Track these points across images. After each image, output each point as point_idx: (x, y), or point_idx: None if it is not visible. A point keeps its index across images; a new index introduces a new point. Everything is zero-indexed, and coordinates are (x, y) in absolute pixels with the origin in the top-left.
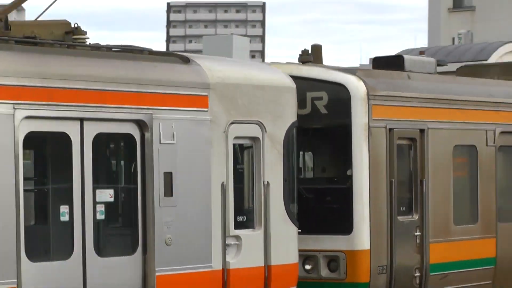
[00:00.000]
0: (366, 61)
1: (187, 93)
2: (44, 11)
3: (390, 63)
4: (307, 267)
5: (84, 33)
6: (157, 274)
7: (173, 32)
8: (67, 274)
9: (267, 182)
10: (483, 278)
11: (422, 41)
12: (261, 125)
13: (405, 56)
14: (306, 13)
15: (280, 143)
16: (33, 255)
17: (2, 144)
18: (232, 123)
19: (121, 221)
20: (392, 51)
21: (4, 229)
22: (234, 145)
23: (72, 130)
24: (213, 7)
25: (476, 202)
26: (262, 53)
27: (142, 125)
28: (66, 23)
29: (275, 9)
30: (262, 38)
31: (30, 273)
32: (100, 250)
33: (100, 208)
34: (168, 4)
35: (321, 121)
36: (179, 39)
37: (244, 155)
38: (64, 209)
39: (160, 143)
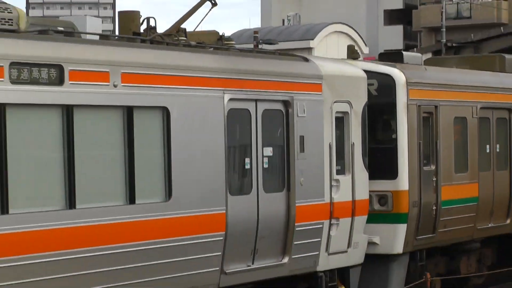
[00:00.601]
0: None
1: (310, 82)
2: (200, 23)
3: (392, 57)
4: None
5: (231, 39)
6: (296, 205)
7: (32, 13)
8: (249, 203)
9: (353, 142)
10: (471, 211)
11: (255, 23)
12: (349, 103)
13: (404, 53)
14: None
15: (359, 116)
16: (232, 191)
17: (218, 117)
18: (335, 102)
19: (275, 169)
20: (230, 31)
21: (218, 175)
22: (336, 117)
23: (251, 107)
24: None
25: (466, 157)
26: (113, 33)
27: (287, 104)
28: (216, 33)
29: None
30: (113, 19)
31: (231, 203)
32: (265, 188)
33: (266, 160)
34: None
35: (372, 100)
36: None
37: (339, 124)
38: (247, 160)
39: (297, 116)
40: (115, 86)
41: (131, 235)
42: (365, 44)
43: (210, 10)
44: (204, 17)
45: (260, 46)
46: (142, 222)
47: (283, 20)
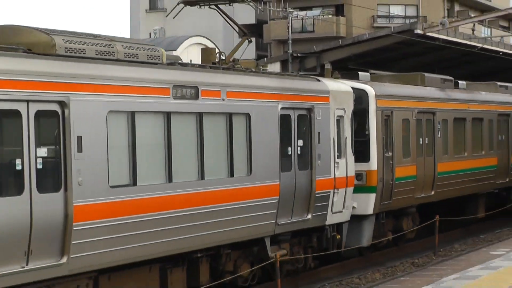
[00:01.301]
0: None
1: (323, 95)
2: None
3: (350, 76)
4: None
5: (266, 65)
6: (316, 179)
7: None
8: (291, 177)
9: (346, 136)
10: (411, 185)
11: (126, 35)
12: (344, 109)
13: (359, 73)
14: None
15: (349, 118)
16: (282, 169)
17: (275, 119)
18: (336, 109)
19: (303, 153)
20: None
21: (275, 158)
22: (336, 119)
23: (291, 113)
24: None
25: (409, 147)
26: None
27: (310, 110)
28: (254, 61)
29: None
30: None
31: (282, 177)
32: (299, 167)
33: (299, 148)
34: None
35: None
36: None
37: (338, 124)
38: (289, 148)
39: (316, 119)
40: (223, 100)
41: (230, 197)
42: None
43: (248, 45)
44: (244, 51)
45: None
46: (237, 189)
47: (150, 33)
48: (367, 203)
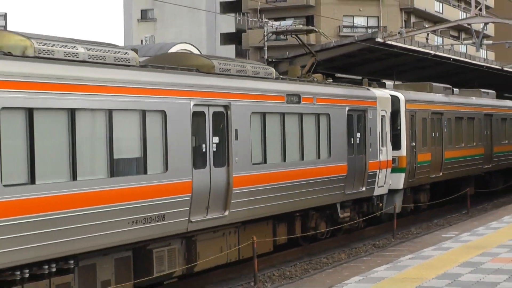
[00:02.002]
0: None
1: (372, 100)
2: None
3: (380, 84)
4: None
5: (329, 78)
6: (368, 161)
7: None
8: (353, 160)
9: (386, 131)
10: (427, 168)
11: (120, 42)
12: (385, 111)
13: (386, 82)
14: None
15: (389, 117)
16: (348, 154)
17: (343, 117)
18: (381, 110)
19: (360, 142)
20: None
21: (343, 145)
22: (380, 118)
23: (353, 113)
24: None
25: (426, 139)
26: None
27: (364, 111)
28: (322, 75)
29: None
30: (4, 28)
31: (348, 160)
32: (357, 152)
33: (357, 139)
34: None
35: None
36: None
37: (382, 121)
38: (352, 139)
39: (368, 117)
40: (314, 104)
41: (317, 173)
42: None
43: (314, 63)
44: (311, 68)
45: None
46: (322, 167)
47: (142, 40)
48: (399, 181)
